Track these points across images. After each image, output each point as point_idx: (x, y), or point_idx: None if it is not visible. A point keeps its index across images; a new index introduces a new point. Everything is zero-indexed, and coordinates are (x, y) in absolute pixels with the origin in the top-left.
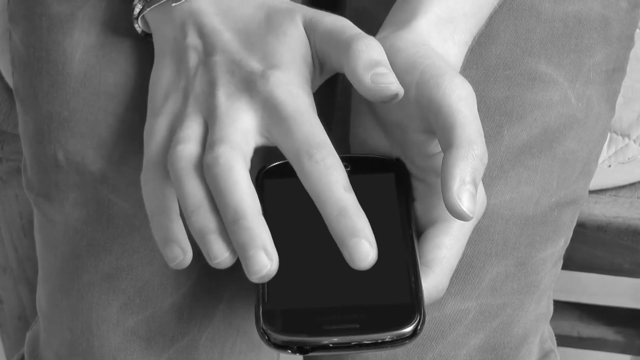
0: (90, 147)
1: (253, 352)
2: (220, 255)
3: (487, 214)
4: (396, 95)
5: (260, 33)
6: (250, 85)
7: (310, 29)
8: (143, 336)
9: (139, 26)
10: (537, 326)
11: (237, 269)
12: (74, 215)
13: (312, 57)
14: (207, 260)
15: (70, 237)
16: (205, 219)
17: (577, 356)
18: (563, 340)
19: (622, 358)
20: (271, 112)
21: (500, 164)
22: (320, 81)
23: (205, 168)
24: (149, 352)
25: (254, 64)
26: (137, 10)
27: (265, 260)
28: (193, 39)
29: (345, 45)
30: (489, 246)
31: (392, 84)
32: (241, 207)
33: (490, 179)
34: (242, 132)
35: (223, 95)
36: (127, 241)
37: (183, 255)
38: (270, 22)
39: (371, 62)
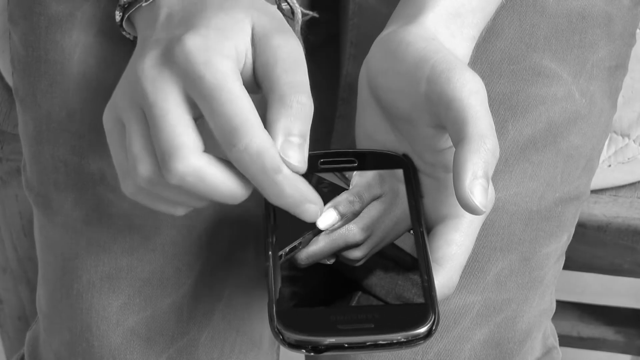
0: (89, 147)
1: (252, 351)
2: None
3: (493, 209)
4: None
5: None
6: (170, 54)
7: (257, 39)
8: (143, 336)
9: (127, 33)
10: (540, 321)
11: (235, 268)
12: (74, 215)
13: (246, 60)
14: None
15: (70, 237)
16: None
17: (577, 356)
18: (563, 340)
19: (622, 358)
20: (190, 85)
21: (505, 158)
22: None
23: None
24: (149, 352)
25: (177, 31)
26: (117, 18)
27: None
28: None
29: (278, 96)
30: (494, 241)
31: (299, 162)
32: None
33: (495, 173)
34: (174, 108)
35: (148, 69)
36: (127, 241)
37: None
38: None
39: (290, 131)
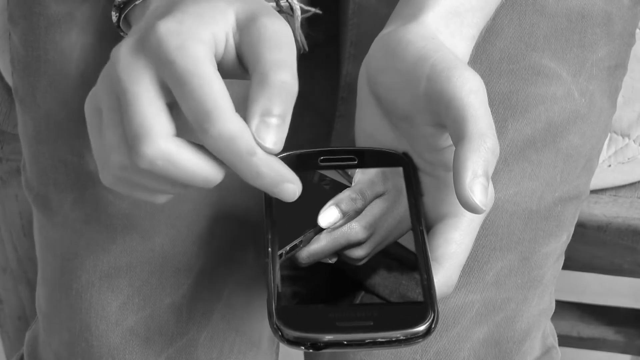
0: (88, 147)
1: (252, 351)
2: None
3: (492, 208)
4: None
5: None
6: (144, 39)
7: (243, 23)
8: (142, 335)
9: (124, 33)
10: (539, 321)
11: (235, 269)
12: (73, 215)
13: (227, 45)
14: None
15: (69, 236)
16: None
17: (577, 356)
18: (563, 340)
19: (622, 358)
20: (162, 70)
21: (505, 158)
22: (233, 75)
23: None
24: (148, 352)
25: (156, 20)
26: (114, 19)
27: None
28: None
29: (259, 74)
30: (493, 240)
31: (273, 144)
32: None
33: (495, 172)
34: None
35: (123, 56)
36: (126, 241)
37: None
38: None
39: (268, 110)
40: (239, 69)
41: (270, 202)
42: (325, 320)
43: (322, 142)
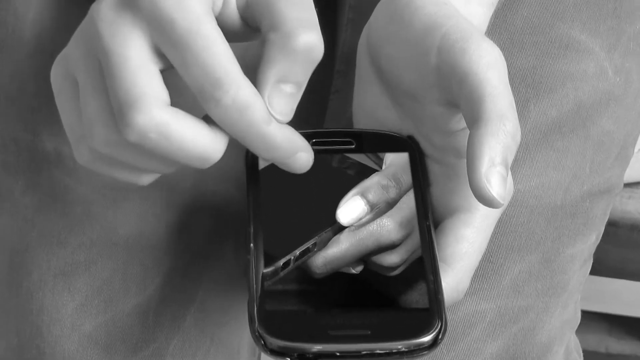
0: (43, 123)
1: None
2: None
3: (510, 202)
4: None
5: None
6: None
7: None
8: (102, 343)
9: None
10: (562, 334)
11: (211, 266)
12: (24, 202)
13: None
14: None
15: (19, 227)
16: None
17: None
18: (589, 357)
19: None
20: (157, 30)
21: (526, 144)
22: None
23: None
24: None
25: None
26: None
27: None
28: None
29: (282, 35)
30: (510, 239)
31: (285, 116)
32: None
33: (515, 161)
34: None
35: (105, 10)
36: (85, 232)
37: None
38: None
39: (285, 76)
40: (242, 28)
41: (256, 186)
42: (315, 328)
43: (313, 122)
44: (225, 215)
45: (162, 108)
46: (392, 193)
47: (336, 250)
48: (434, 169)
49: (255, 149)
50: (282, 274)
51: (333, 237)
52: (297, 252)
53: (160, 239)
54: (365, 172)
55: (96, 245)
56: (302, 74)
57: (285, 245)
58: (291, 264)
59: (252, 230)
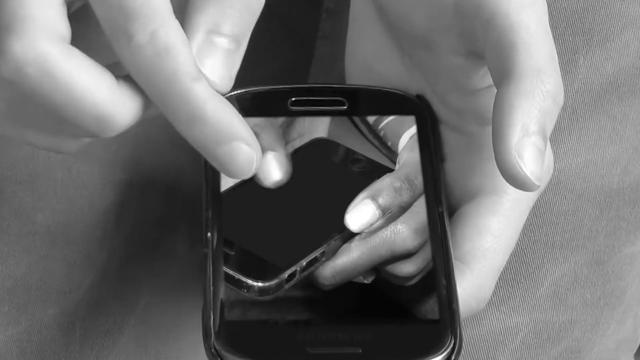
0: None
1: None
2: None
3: (550, 185)
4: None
5: None
6: None
7: None
8: (13, 359)
9: None
10: (617, 357)
11: (157, 265)
12: None
13: None
14: None
15: None
16: None
17: None
18: None
19: None
20: None
21: (572, 109)
22: None
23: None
24: None
25: None
26: None
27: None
28: None
29: None
30: (550, 234)
31: (220, 78)
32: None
33: (555, 131)
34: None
35: None
36: None
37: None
38: None
39: (217, 26)
40: None
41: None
42: (290, 344)
43: (295, 75)
44: (176, 198)
45: (50, 40)
46: (406, 196)
47: (346, 260)
48: (450, 139)
49: (174, 116)
50: (286, 287)
51: (342, 244)
52: (304, 262)
53: (92, 228)
54: (378, 171)
55: (8, 235)
56: (239, 25)
57: (289, 254)
58: (297, 276)
59: (209, 216)
